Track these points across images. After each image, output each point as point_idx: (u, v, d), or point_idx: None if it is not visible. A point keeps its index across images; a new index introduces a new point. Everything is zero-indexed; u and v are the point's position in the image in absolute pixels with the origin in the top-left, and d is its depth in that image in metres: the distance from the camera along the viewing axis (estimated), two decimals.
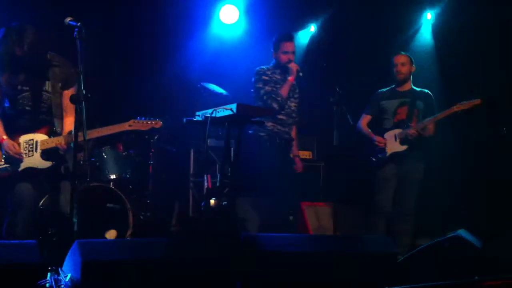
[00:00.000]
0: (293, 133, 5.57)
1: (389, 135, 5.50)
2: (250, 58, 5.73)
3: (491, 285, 2.44)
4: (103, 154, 5.72)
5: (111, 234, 5.29)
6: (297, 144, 5.69)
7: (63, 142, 4.04)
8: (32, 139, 4.04)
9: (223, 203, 4.88)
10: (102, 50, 5.63)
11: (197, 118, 4.51)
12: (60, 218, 4.06)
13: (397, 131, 5.48)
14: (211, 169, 6.14)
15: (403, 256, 3.96)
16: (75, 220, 3.87)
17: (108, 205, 5.40)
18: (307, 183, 6.63)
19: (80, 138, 3.57)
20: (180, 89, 6.69)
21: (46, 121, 4.09)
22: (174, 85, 6.72)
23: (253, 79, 5.36)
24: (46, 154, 4.05)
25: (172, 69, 6.69)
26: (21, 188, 4.00)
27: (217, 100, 5.88)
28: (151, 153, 6.13)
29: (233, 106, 4.30)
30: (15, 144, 3.99)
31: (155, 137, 6.06)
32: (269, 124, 5.22)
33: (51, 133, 4.08)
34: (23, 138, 4.03)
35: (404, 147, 5.43)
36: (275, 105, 5.20)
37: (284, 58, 5.32)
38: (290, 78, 5.26)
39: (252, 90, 5.38)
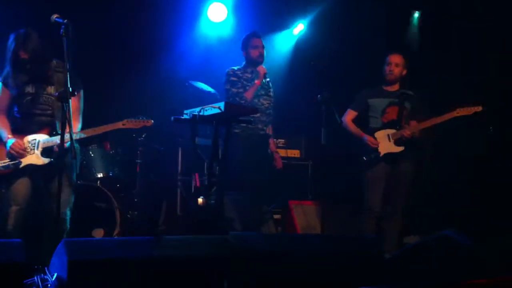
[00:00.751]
0: (270, 131, 5.59)
1: (381, 135, 5.47)
2: (238, 56, 5.72)
3: (476, 283, 2.45)
4: (90, 152, 5.69)
5: (98, 233, 5.27)
6: (274, 141, 5.76)
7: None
8: (35, 139, 4.25)
9: (211, 201, 4.88)
10: (89, 48, 5.60)
11: (185, 116, 4.51)
12: (49, 216, 4.08)
13: (389, 131, 5.46)
14: (199, 168, 6.13)
15: (390, 255, 3.97)
16: (66, 217, 4.03)
17: (95, 203, 5.39)
18: (295, 182, 6.65)
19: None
20: (168, 88, 6.67)
21: (48, 123, 4.30)
22: (162, 83, 6.69)
23: (223, 80, 5.42)
24: (45, 152, 4.23)
25: (160, 67, 6.67)
26: (19, 185, 4.19)
27: (205, 99, 5.87)
28: (138, 152, 6.11)
29: (221, 105, 4.30)
30: (20, 142, 4.20)
31: (143, 136, 6.04)
32: None
33: (53, 134, 4.28)
34: (27, 139, 4.25)
35: (400, 149, 5.40)
36: None
37: (254, 53, 5.41)
38: (256, 81, 5.31)
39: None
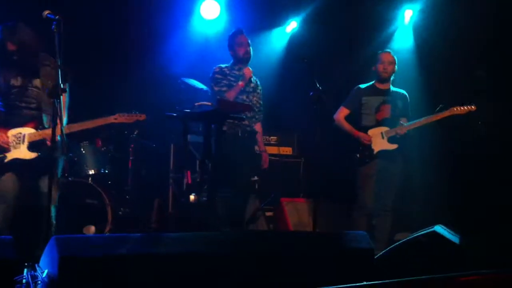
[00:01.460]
0: (259, 129, 5.59)
1: (374, 132, 5.51)
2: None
3: (466, 280, 2.47)
4: (82, 149, 5.68)
5: (89, 230, 5.26)
6: (262, 139, 5.74)
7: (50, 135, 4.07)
8: (20, 133, 4.20)
9: (203, 199, 4.88)
10: (82, 45, 5.59)
11: (177, 113, 4.50)
12: (39, 212, 4.07)
13: (383, 129, 5.49)
14: (191, 165, 6.13)
15: (381, 251, 3.98)
16: (53, 214, 3.96)
17: (86, 200, 5.38)
18: (287, 179, 6.66)
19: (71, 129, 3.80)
20: (160, 84, 6.66)
21: (34, 116, 4.26)
22: (155, 80, 6.68)
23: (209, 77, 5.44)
24: (33, 146, 4.20)
25: (153, 64, 6.65)
26: (6, 182, 4.16)
27: (198, 95, 5.86)
28: (130, 149, 6.10)
29: (214, 102, 4.30)
30: (3, 135, 4.15)
31: (135, 132, 6.03)
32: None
33: (39, 128, 4.24)
34: (12, 132, 4.20)
35: (394, 146, 5.46)
36: None
37: (240, 50, 5.39)
38: (240, 83, 5.29)
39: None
